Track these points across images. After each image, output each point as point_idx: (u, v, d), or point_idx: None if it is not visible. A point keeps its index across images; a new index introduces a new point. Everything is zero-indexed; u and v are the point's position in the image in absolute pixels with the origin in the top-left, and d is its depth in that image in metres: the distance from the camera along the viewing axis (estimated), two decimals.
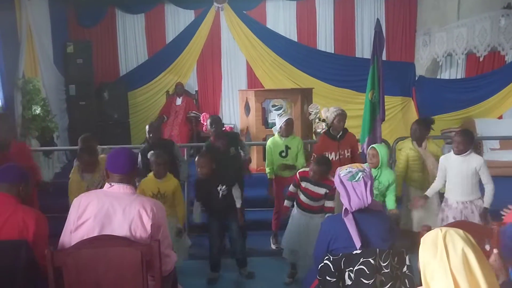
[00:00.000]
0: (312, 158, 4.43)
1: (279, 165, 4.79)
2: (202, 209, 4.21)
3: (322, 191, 3.91)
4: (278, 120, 4.93)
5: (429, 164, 4.47)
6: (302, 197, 4.02)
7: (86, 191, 3.90)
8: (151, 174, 4.11)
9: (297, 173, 4.11)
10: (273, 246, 5.02)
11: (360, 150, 4.95)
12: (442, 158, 4.21)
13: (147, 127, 4.90)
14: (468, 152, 3.99)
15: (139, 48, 9.25)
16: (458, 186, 4.07)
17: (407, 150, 4.61)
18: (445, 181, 4.18)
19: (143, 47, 9.26)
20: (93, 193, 2.54)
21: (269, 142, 4.94)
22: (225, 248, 4.57)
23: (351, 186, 2.61)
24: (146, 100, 9.19)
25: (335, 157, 4.65)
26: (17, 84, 6.33)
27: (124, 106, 8.66)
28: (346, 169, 2.71)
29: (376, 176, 4.09)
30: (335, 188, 2.79)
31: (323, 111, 4.85)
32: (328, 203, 3.94)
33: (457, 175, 4.06)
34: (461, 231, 1.63)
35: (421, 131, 4.52)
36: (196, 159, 4.13)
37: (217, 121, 4.94)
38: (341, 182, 2.65)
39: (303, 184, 4.00)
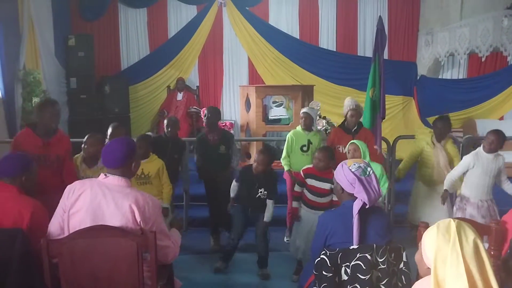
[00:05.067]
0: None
1: None
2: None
3: (327, 186, 3.90)
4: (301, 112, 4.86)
5: (441, 162, 4.50)
6: (309, 194, 4.00)
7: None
8: None
9: (301, 171, 4.09)
10: (285, 239, 4.93)
11: None
12: (471, 154, 4.21)
13: (165, 121, 4.75)
14: (497, 153, 4.09)
15: (141, 43, 9.22)
16: (484, 184, 4.13)
17: (423, 143, 4.65)
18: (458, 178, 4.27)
19: (145, 42, 9.23)
20: (88, 182, 2.49)
21: (291, 133, 4.80)
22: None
23: (365, 181, 2.54)
24: (147, 95, 9.16)
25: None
26: (17, 76, 6.32)
27: (125, 100, 8.61)
28: (354, 164, 2.61)
29: None
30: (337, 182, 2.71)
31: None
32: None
33: (486, 173, 4.11)
34: (469, 224, 1.71)
35: (445, 128, 4.54)
36: (256, 155, 4.07)
37: (212, 111, 4.72)
38: (357, 177, 2.54)
39: (308, 181, 3.99)
